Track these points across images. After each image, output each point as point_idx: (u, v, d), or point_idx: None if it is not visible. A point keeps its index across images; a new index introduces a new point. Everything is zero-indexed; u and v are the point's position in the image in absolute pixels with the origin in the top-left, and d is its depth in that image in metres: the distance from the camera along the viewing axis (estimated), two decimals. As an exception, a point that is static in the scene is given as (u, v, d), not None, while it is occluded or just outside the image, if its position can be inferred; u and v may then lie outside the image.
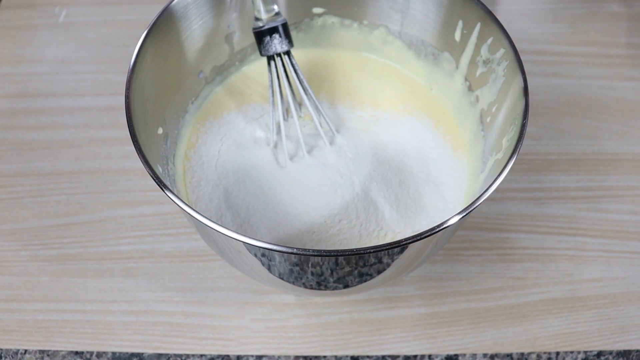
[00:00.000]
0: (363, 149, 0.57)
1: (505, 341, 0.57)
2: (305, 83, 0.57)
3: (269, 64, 0.57)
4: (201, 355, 0.56)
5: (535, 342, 0.57)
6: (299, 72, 0.57)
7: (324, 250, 0.42)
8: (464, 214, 0.43)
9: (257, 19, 0.56)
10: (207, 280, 0.59)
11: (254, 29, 0.56)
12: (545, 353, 0.57)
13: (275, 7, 0.56)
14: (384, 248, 0.42)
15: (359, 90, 0.61)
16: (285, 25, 0.56)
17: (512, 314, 0.58)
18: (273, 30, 0.55)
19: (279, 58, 0.56)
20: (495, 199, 0.64)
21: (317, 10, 0.61)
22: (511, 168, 0.45)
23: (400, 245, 0.42)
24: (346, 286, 0.49)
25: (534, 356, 0.56)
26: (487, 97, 0.56)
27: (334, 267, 0.46)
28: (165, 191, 0.44)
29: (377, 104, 0.61)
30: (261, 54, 0.56)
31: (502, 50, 0.53)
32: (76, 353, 0.56)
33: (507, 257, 0.61)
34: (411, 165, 0.57)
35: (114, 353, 0.56)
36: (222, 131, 0.59)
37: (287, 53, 0.56)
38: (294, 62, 0.57)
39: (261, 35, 0.56)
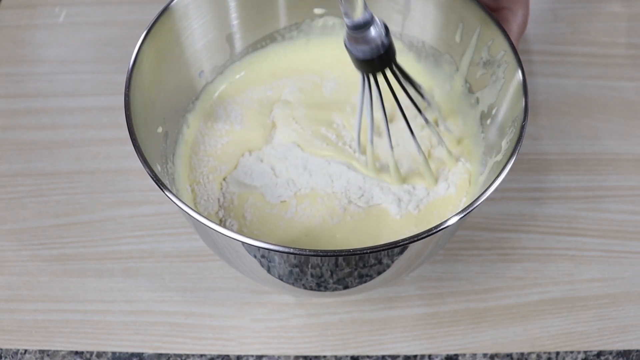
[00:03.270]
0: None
1: (505, 341, 0.57)
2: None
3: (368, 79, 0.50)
4: (201, 355, 0.56)
5: (535, 342, 0.57)
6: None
7: (321, 251, 0.42)
8: (464, 214, 0.43)
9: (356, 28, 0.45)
10: (207, 280, 0.59)
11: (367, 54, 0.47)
12: (545, 353, 0.57)
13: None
14: (384, 248, 0.42)
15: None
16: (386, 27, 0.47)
17: (512, 314, 0.58)
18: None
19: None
20: (495, 199, 0.64)
21: (318, 11, 0.61)
22: (511, 168, 0.45)
23: (400, 246, 0.42)
24: (346, 287, 0.49)
25: (534, 356, 0.56)
26: (487, 99, 0.56)
27: (333, 268, 0.46)
28: (164, 190, 0.44)
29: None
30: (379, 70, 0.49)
31: (502, 52, 0.52)
32: (76, 353, 0.56)
33: (507, 257, 0.61)
34: (411, 166, 0.57)
35: (114, 353, 0.56)
36: (221, 131, 0.59)
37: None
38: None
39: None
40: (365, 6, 0.44)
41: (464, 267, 0.60)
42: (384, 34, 0.46)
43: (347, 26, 0.45)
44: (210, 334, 0.57)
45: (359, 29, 0.45)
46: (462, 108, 0.59)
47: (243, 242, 0.42)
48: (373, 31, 0.45)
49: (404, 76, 0.50)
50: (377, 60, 0.47)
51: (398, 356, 0.56)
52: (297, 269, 0.46)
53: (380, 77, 0.49)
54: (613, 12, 0.77)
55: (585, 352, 0.57)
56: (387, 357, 0.56)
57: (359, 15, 0.44)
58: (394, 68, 0.49)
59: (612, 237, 0.62)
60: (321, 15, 0.62)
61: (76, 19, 0.76)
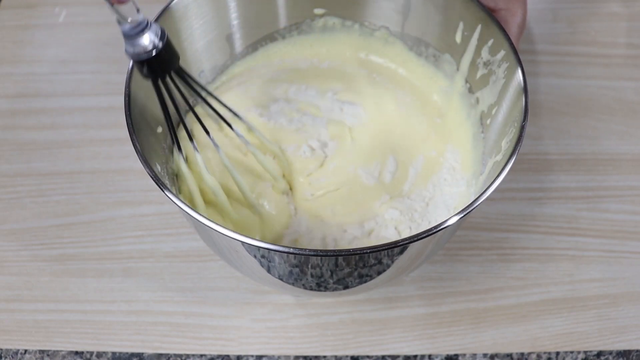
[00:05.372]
0: (364, 149, 0.57)
1: (505, 341, 0.57)
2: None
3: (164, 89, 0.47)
4: (201, 355, 0.56)
5: (535, 342, 0.57)
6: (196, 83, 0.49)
7: (321, 251, 0.42)
8: (463, 214, 0.43)
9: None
10: (207, 280, 0.59)
11: (140, 57, 0.45)
12: (545, 353, 0.57)
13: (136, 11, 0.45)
14: (384, 248, 0.42)
15: (360, 91, 0.61)
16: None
17: (512, 314, 0.58)
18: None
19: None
20: (495, 199, 0.64)
21: (318, 11, 0.61)
22: (511, 168, 0.45)
23: (400, 246, 0.42)
24: (346, 287, 0.49)
25: (534, 356, 0.56)
26: (487, 99, 0.56)
27: (333, 268, 0.46)
28: (164, 190, 0.44)
29: (378, 105, 0.61)
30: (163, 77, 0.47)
31: (502, 52, 0.53)
32: (76, 353, 0.56)
33: (507, 257, 0.61)
34: (411, 166, 0.57)
35: (114, 353, 0.56)
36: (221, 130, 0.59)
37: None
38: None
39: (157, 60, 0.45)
40: (138, 11, 0.44)
41: (464, 267, 0.60)
42: (158, 38, 0.45)
43: (123, 32, 0.46)
44: (211, 334, 0.57)
45: (132, 35, 0.45)
46: (462, 108, 0.59)
47: (243, 242, 0.42)
48: (148, 36, 0.45)
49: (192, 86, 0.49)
50: (154, 63, 0.46)
51: (398, 356, 0.56)
52: (297, 269, 0.46)
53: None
54: (613, 12, 0.77)
55: (585, 352, 0.57)
56: (387, 357, 0.56)
57: (133, 19, 0.45)
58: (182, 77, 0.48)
59: (612, 237, 0.62)
60: (321, 15, 0.62)
61: (76, 19, 0.77)
